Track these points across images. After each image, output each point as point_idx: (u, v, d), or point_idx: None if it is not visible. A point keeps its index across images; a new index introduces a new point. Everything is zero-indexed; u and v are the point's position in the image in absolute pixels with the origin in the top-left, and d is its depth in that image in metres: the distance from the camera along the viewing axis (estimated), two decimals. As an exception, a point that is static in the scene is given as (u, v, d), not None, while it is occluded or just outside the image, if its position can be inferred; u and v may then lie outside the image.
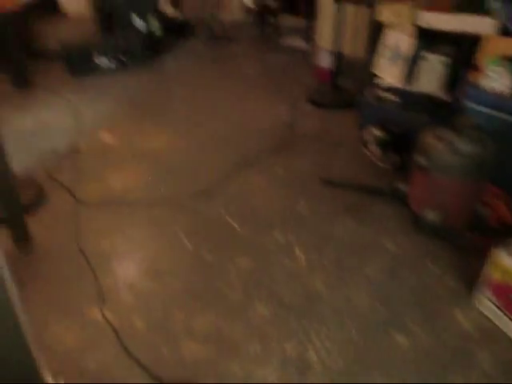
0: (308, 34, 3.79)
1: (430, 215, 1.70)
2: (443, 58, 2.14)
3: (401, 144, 2.16)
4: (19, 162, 2.25)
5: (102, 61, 3.33)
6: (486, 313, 1.45)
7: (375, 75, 2.42)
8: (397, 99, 2.29)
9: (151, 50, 3.57)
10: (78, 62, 3.30)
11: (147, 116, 2.82)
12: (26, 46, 3.33)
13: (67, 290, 1.57)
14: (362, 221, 1.87)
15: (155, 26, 3.60)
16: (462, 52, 2.08)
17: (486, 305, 1.44)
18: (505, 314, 1.39)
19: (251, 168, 2.25)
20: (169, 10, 3.99)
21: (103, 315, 1.47)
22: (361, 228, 1.84)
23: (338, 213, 1.92)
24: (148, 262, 1.69)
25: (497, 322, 1.42)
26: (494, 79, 1.79)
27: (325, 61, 3.10)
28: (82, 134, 2.57)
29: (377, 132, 2.25)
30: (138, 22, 3.45)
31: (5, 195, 1.65)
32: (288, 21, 4.31)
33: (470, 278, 1.54)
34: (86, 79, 3.31)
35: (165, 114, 2.85)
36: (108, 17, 3.46)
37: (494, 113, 1.78)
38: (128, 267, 1.67)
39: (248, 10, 4.46)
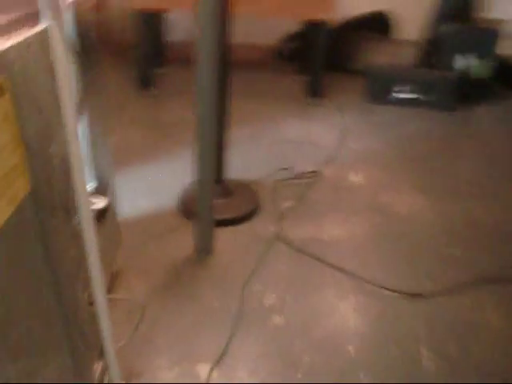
0: None
1: None
2: None
3: None
4: (254, 169, 2.24)
5: (402, 93, 3.01)
6: None
7: None
8: None
9: (464, 95, 3.03)
10: (378, 88, 3.08)
11: (413, 169, 2.36)
12: (338, 60, 3.33)
13: (200, 326, 1.40)
14: None
15: (481, 69, 3.02)
16: None
17: None
18: None
19: (493, 287, 1.59)
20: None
21: (209, 376, 1.25)
22: None
23: None
24: (295, 343, 1.37)
25: None
26: None
27: None
28: (333, 161, 2.36)
29: None
30: (460, 61, 2.95)
31: (199, 198, 1.59)
32: None
33: None
34: (378, 107, 3.06)
35: (436, 174, 2.34)
36: (431, 47, 3.09)
37: None
38: (269, 340, 1.38)
39: None
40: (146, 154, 2.33)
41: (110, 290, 1.44)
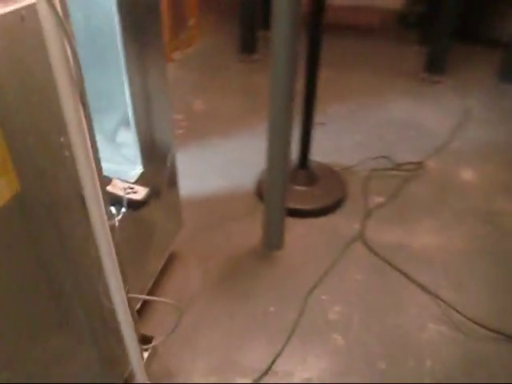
0: None
1: None
2: None
3: None
4: (348, 153, 2.00)
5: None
6: None
7: None
8: None
9: None
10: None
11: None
12: (471, 28, 2.84)
13: (248, 332, 1.26)
14: None
15: None
16: None
17: None
18: None
19: None
20: None
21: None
22: None
23: None
24: (352, 373, 1.18)
25: None
26: None
27: None
28: (443, 152, 2.01)
29: None
30: None
31: (269, 188, 1.41)
32: None
33: None
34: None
35: None
36: None
37: None
38: (323, 363, 1.20)
39: None
40: (230, 126, 2.19)
41: (162, 273, 1.37)
